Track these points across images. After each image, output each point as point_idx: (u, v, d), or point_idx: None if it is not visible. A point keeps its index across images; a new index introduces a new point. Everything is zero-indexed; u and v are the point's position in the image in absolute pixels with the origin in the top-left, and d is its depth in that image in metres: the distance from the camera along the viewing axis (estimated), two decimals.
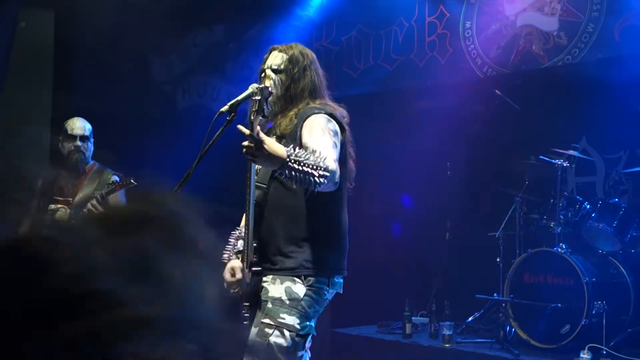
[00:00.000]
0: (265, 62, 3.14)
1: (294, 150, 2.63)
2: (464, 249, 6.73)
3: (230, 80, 7.34)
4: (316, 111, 2.99)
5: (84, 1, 6.68)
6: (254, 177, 2.93)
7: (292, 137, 2.95)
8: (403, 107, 7.19)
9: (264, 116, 2.64)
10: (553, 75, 6.18)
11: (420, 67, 6.92)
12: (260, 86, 2.63)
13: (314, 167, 2.62)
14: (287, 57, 3.10)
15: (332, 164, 2.74)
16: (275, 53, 3.14)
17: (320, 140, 2.86)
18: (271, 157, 2.60)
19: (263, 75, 2.73)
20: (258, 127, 2.59)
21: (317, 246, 2.98)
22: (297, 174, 2.61)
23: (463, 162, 6.86)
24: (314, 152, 2.69)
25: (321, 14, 7.47)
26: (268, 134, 2.91)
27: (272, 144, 2.60)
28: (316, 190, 2.69)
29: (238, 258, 3.16)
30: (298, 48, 3.16)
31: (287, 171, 2.61)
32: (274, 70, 3.07)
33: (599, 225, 5.51)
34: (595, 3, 5.80)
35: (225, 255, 3.20)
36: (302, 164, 2.60)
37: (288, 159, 2.59)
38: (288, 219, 2.98)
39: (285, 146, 2.72)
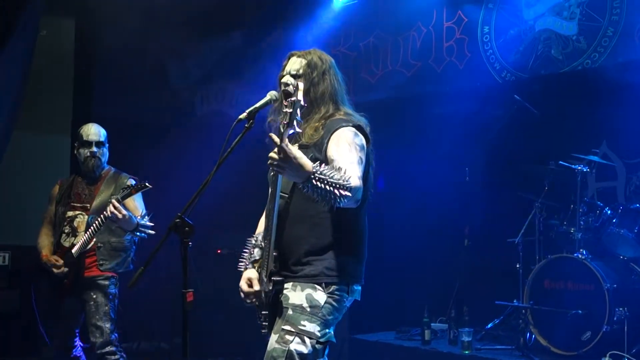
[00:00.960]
0: (284, 68, 3.14)
1: (320, 166, 2.66)
2: (483, 255, 6.69)
3: (249, 87, 7.36)
4: (344, 124, 2.99)
5: (104, 9, 6.74)
6: (279, 187, 2.94)
7: (318, 148, 2.96)
8: (421, 112, 7.17)
9: (294, 129, 2.64)
10: (572, 79, 6.14)
11: (439, 72, 6.91)
12: (293, 99, 2.61)
13: (338, 185, 2.65)
14: (306, 62, 3.10)
15: (356, 181, 2.77)
16: (294, 59, 3.14)
17: (347, 157, 2.87)
18: (297, 171, 2.63)
19: (295, 89, 2.69)
20: (287, 140, 2.61)
21: (337, 254, 2.98)
22: (320, 190, 2.65)
23: (482, 168, 6.83)
24: (339, 169, 2.71)
25: (339, 20, 7.48)
26: (290, 140, 2.93)
27: (300, 158, 2.63)
28: (336, 206, 2.72)
29: (255, 267, 3.17)
30: (317, 53, 3.16)
31: (310, 186, 2.65)
32: (292, 76, 3.08)
33: (620, 230, 5.46)
34: (615, 7, 5.76)
35: (242, 265, 3.20)
36: (326, 182, 2.64)
37: (313, 176, 2.63)
38: (309, 228, 2.98)
39: (307, 155, 2.73)
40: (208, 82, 7.65)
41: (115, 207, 4.30)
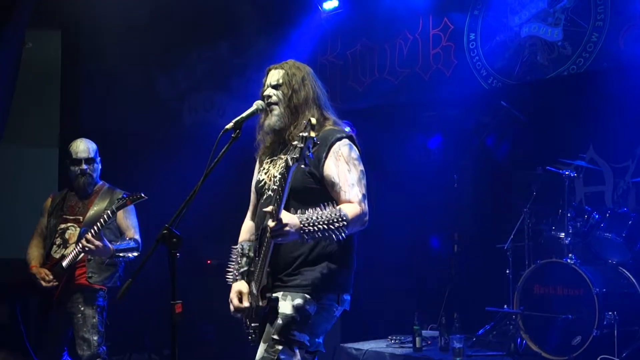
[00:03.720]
0: (264, 84, 3.18)
1: (305, 216, 2.73)
2: (473, 262, 6.70)
3: (237, 96, 7.35)
4: (338, 136, 3.03)
5: (89, 21, 6.72)
6: (284, 200, 2.93)
7: (315, 162, 2.95)
8: (409, 119, 7.19)
9: (305, 165, 2.65)
10: (558, 85, 6.18)
11: (426, 80, 6.93)
12: (304, 134, 2.60)
13: (330, 224, 2.72)
14: (284, 71, 3.14)
15: (357, 207, 2.87)
16: (272, 72, 3.18)
17: (348, 177, 2.94)
18: (290, 235, 2.72)
19: (307, 124, 2.64)
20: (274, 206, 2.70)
21: (328, 265, 2.99)
22: (317, 234, 2.72)
23: (470, 174, 6.85)
24: (327, 205, 2.77)
25: (326, 29, 7.49)
26: (279, 149, 3.00)
27: (290, 220, 2.71)
28: (344, 237, 2.78)
29: (243, 278, 3.16)
30: (294, 63, 3.20)
31: (307, 237, 2.73)
32: (274, 87, 3.11)
33: (608, 235, 5.47)
34: (599, 12, 5.80)
35: (230, 276, 3.19)
36: (317, 228, 2.71)
37: (302, 229, 2.71)
38: (300, 242, 2.97)
39: (299, 170, 2.77)
40: (196, 92, 7.64)
41: (87, 240, 4.30)
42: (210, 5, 7.22)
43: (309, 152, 2.62)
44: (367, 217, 2.90)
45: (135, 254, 4.51)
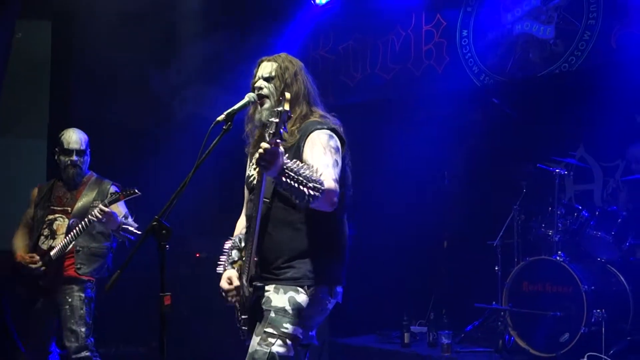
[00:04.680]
0: (255, 75, 3.16)
1: (291, 163, 2.67)
2: (462, 258, 6.71)
3: (229, 90, 7.31)
4: (318, 126, 3.01)
5: (80, 12, 6.67)
6: (263, 193, 2.93)
7: (295, 152, 2.97)
8: (400, 115, 7.19)
9: (281, 139, 2.61)
10: (550, 83, 6.18)
11: (417, 76, 6.92)
12: (279, 109, 2.60)
13: (307, 180, 2.65)
14: (277, 64, 3.12)
15: (331, 183, 2.79)
16: (264, 64, 3.16)
17: (322, 159, 2.89)
18: (272, 168, 2.63)
19: (282, 98, 2.66)
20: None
21: (319, 257, 2.99)
22: (291, 184, 2.64)
23: (460, 170, 6.86)
24: (310, 167, 2.72)
25: (319, 23, 7.47)
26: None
27: (278, 155, 2.63)
28: (310, 205, 2.71)
29: (233, 268, 3.16)
30: (286, 56, 3.19)
31: (283, 180, 2.64)
32: (265, 79, 3.10)
33: (597, 233, 5.50)
34: (592, 11, 5.80)
35: (220, 268, 3.20)
36: (294, 176, 2.64)
37: (283, 172, 2.63)
38: (291, 232, 2.99)
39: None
40: (187, 85, 7.60)
41: (95, 215, 4.28)
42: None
43: (284, 126, 2.62)
44: (336, 199, 2.84)
45: (137, 232, 4.47)
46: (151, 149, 6.96)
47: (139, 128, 7.38)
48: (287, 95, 2.68)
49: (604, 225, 5.49)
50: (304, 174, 2.65)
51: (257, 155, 2.63)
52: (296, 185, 2.64)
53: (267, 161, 2.61)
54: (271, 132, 2.60)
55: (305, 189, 2.64)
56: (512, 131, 6.44)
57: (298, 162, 2.72)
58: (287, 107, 2.62)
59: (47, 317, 4.64)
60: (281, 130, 2.60)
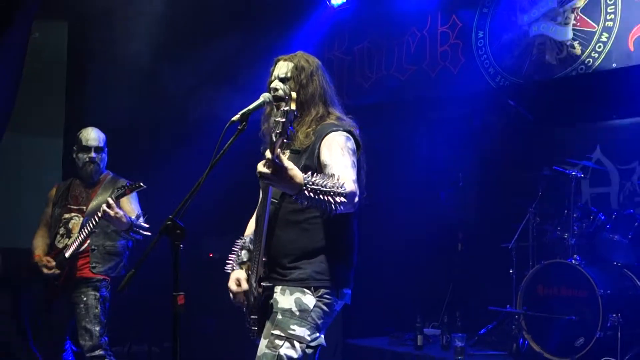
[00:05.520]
0: (272, 74, 3.14)
1: (311, 176, 2.61)
2: (477, 261, 6.68)
3: (243, 90, 7.31)
4: (334, 128, 2.98)
5: (96, 12, 6.70)
6: (270, 193, 2.92)
7: (310, 154, 2.95)
8: (415, 117, 7.17)
9: (287, 138, 2.54)
10: (567, 85, 6.13)
11: (433, 77, 6.89)
12: (286, 109, 2.52)
13: (332, 193, 2.61)
14: (293, 64, 3.09)
15: (352, 185, 2.75)
16: (280, 63, 3.14)
17: (340, 160, 2.86)
18: (289, 183, 2.57)
19: (288, 98, 2.59)
20: (279, 150, 2.53)
21: (326, 258, 2.97)
22: (315, 201, 2.60)
23: (476, 173, 6.83)
24: (332, 176, 2.67)
25: (334, 24, 7.46)
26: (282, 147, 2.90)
27: (292, 170, 2.56)
28: (333, 214, 2.68)
29: (242, 269, 3.16)
30: (303, 56, 3.16)
31: (304, 197, 2.60)
32: (281, 80, 3.07)
33: (613, 236, 5.45)
34: (609, 12, 5.76)
35: (229, 267, 3.20)
36: (319, 191, 2.59)
37: (305, 187, 2.58)
38: (299, 233, 2.98)
39: (299, 161, 2.71)
40: (202, 86, 7.61)
41: (108, 205, 4.28)
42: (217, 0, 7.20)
43: (291, 125, 2.54)
44: (357, 199, 2.79)
45: (147, 233, 4.46)
46: (166, 149, 6.97)
47: (153, 127, 7.40)
48: (294, 94, 2.63)
49: (621, 229, 5.45)
50: (327, 187, 2.60)
51: (259, 167, 2.57)
52: (323, 197, 2.60)
53: (270, 176, 2.54)
54: (278, 132, 2.54)
55: (332, 198, 2.60)
56: (528, 133, 6.40)
57: (317, 174, 2.66)
58: (293, 106, 2.55)
59: (62, 315, 4.66)
60: (288, 130, 2.56)
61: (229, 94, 6.89)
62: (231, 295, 3.14)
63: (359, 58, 7.46)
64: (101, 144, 4.82)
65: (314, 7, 7.45)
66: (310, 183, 2.58)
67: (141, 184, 4.44)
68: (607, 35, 5.78)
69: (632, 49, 5.64)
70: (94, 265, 4.63)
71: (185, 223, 2.70)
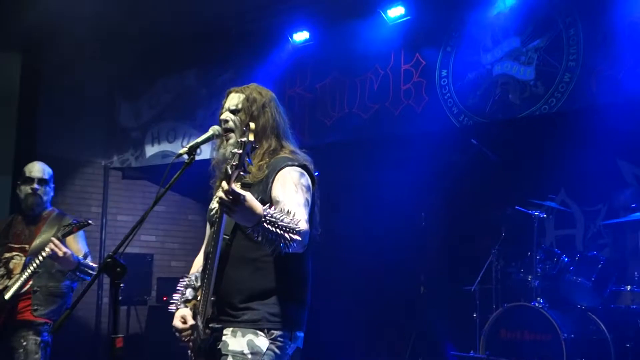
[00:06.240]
0: (223, 106, 3.04)
1: (270, 210, 2.53)
2: (439, 303, 6.55)
3: (201, 126, 7.19)
4: (289, 162, 2.88)
5: (51, 44, 6.54)
6: (222, 229, 2.78)
7: (262, 188, 2.83)
8: (378, 155, 7.06)
9: (244, 171, 2.47)
10: (530, 124, 6.09)
11: (396, 115, 6.80)
12: (243, 140, 2.45)
13: (288, 229, 2.54)
14: (244, 96, 3.00)
15: (304, 225, 2.66)
16: (232, 95, 3.05)
17: (294, 198, 2.76)
18: (247, 214, 2.48)
19: (246, 129, 2.52)
20: (234, 183, 2.45)
21: (280, 299, 2.83)
22: (270, 234, 2.52)
23: (438, 212, 6.74)
24: (288, 213, 2.59)
25: (295, 61, 7.37)
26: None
27: (251, 201, 2.48)
28: (283, 252, 2.58)
29: (187, 307, 3.00)
30: (256, 87, 3.07)
31: (260, 230, 2.51)
32: (232, 111, 2.98)
33: (577, 279, 5.38)
34: (572, 53, 5.74)
35: (173, 307, 3.05)
36: (276, 225, 2.52)
37: (264, 219, 2.50)
38: (251, 272, 2.84)
39: (253, 196, 2.58)
40: (159, 122, 7.45)
41: (55, 245, 4.07)
42: (177, 33, 7.08)
43: (248, 157, 2.47)
44: (307, 240, 2.70)
45: (93, 273, 4.26)
46: (119, 186, 6.79)
47: (107, 165, 7.21)
48: (252, 125, 2.55)
49: (584, 271, 5.38)
50: (284, 223, 2.52)
51: (218, 194, 2.47)
52: (280, 232, 2.51)
53: (229, 205, 2.45)
54: (234, 164, 2.45)
55: (288, 235, 2.52)
56: (492, 173, 6.34)
57: (275, 208, 2.58)
58: (251, 137, 2.47)
59: None
60: (245, 162, 2.44)
61: (187, 130, 6.76)
62: (177, 334, 2.97)
63: (321, 95, 7.36)
64: (45, 177, 4.64)
65: (276, 43, 7.35)
66: (269, 216, 2.51)
67: (89, 221, 4.27)
68: (569, 75, 5.75)
69: (594, 90, 5.61)
70: (35, 307, 4.39)
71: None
